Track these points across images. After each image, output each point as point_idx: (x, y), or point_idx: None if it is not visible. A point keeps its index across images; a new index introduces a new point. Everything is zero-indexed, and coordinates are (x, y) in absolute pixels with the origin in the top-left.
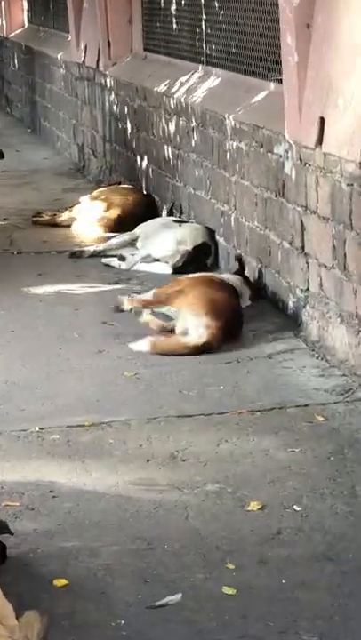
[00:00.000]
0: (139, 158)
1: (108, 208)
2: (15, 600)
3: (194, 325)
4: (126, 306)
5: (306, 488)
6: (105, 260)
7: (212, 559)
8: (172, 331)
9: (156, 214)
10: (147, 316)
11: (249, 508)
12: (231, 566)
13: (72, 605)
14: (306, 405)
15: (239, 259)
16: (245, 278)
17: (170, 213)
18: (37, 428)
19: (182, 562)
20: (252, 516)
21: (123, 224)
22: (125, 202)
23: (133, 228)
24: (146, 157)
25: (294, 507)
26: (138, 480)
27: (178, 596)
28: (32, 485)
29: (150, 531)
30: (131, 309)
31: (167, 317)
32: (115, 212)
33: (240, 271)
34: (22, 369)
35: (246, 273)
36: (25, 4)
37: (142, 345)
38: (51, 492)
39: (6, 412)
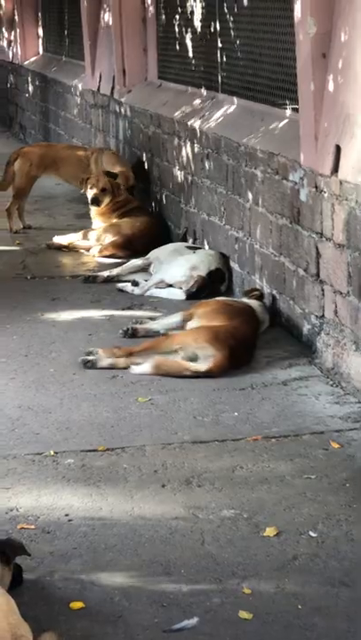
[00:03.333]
0: (153, 184)
1: (117, 233)
2: (32, 622)
3: (199, 354)
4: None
5: (321, 514)
6: (119, 286)
7: (229, 584)
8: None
9: (167, 236)
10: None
11: (265, 534)
12: (247, 591)
13: (89, 628)
14: (321, 432)
15: (258, 292)
16: (260, 301)
17: (183, 239)
18: (52, 453)
19: (198, 586)
20: (268, 542)
21: (132, 247)
22: (134, 226)
23: (143, 250)
24: (160, 183)
25: (310, 533)
26: (153, 505)
27: (194, 621)
28: (47, 509)
29: (166, 555)
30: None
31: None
32: (123, 236)
33: (258, 297)
34: (36, 394)
35: (264, 299)
36: (40, 32)
37: (144, 368)
38: (66, 515)
39: (21, 436)
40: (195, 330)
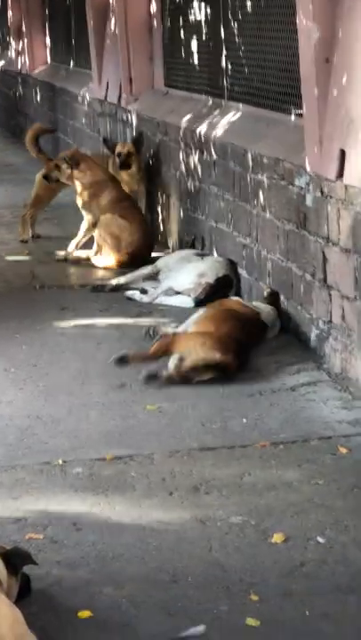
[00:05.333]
0: (160, 192)
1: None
2: (40, 632)
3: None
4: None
5: (329, 520)
6: (127, 294)
7: (236, 591)
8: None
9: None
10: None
11: (272, 541)
12: (255, 598)
13: (96, 637)
14: (329, 438)
15: (275, 293)
16: (278, 310)
17: (192, 246)
18: (61, 462)
19: (206, 594)
20: (276, 549)
21: (135, 259)
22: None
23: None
24: (168, 191)
25: (318, 539)
26: (161, 513)
27: (201, 628)
28: (55, 518)
29: (174, 563)
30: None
31: None
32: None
33: (274, 302)
34: (45, 403)
35: (280, 304)
36: (48, 42)
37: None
38: (74, 524)
39: (29, 445)
40: (199, 334)
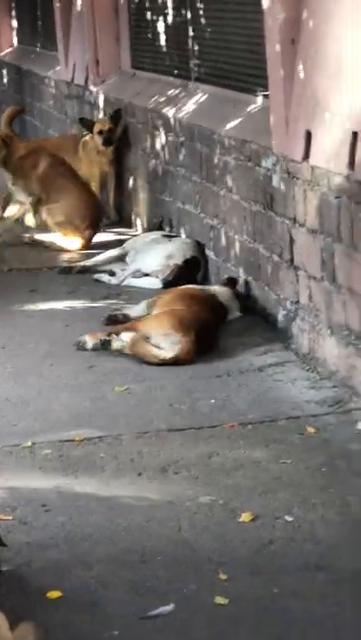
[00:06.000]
0: (127, 174)
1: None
2: (9, 613)
3: (165, 342)
4: (89, 343)
5: (297, 499)
6: (95, 276)
7: (205, 570)
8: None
9: None
10: (116, 343)
11: (241, 520)
12: (223, 577)
13: (66, 617)
14: (297, 417)
15: (231, 279)
16: (234, 292)
17: (159, 228)
18: (30, 443)
19: (175, 573)
20: (244, 528)
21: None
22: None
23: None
24: (135, 173)
25: (286, 517)
26: (130, 494)
27: (170, 607)
28: (24, 499)
29: (143, 543)
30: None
31: None
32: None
33: (231, 285)
34: (14, 385)
35: (238, 288)
36: (14, 24)
37: (122, 342)
38: (43, 505)
39: (3, 428)
40: (159, 316)
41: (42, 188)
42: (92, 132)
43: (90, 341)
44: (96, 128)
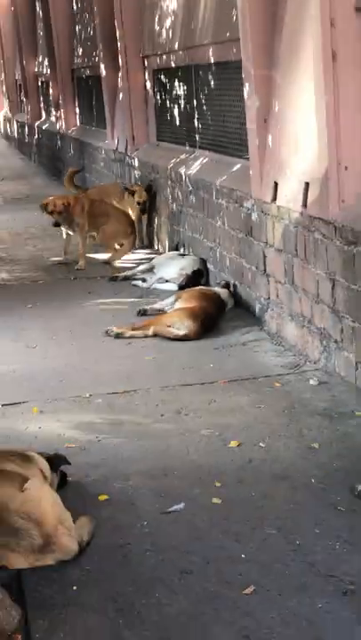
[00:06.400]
0: (154, 213)
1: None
2: (72, 511)
3: (180, 325)
4: (113, 332)
5: (268, 431)
6: (133, 282)
7: (205, 480)
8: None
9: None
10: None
11: (230, 446)
12: (218, 484)
13: (111, 513)
14: (268, 376)
15: (226, 283)
16: (230, 291)
17: (176, 249)
18: (88, 395)
19: (185, 482)
20: (232, 451)
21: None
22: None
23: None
24: (159, 212)
25: (260, 444)
26: (155, 428)
27: (182, 505)
28: (84, 433)
29: (163, 462)
30: (114, 334)
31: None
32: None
33: (226, 286)
34: (77, 356)
35: (231, 289)
36: (77, 110)
37: (119, 330)
38: (97, 437)
39: (67, 384)
40: (179, 310)
41: (91, 221)
42: (133, 196)
43: (114, 331)
44: (136, 198)
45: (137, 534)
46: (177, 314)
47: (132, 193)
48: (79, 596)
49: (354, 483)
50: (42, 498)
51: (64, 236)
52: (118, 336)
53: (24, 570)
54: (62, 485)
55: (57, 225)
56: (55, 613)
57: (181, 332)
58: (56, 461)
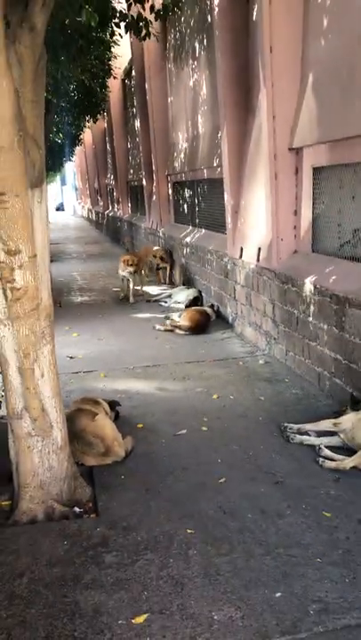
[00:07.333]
0: (173, 266)
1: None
2: (122, 432)
3: (185, 324)
4: (156, 327)
5: (235, 388)
6: (160, 303)
7: (198, 416)
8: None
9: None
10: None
11: (213, 398)
12: (205, 419)
13: (145, 435)
14: (235, 358)
15: (212, 304)
16: (213, 309)
17: (184, 284)
18: (132, 367)
19: (186, 418)
20: (214, 401)
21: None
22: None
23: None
24: (176, 264)
25: (230, 396)
26: (170, 387)
27: (185, 431)
28: (129, 389)
29: (174, 405)
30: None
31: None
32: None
33: (211, 306)
34: (126, 345)
35: (215, 307)
36: (129, 204)
37: (161, 327)
38: (137, 392)
39: (120, 361)
40: (185, 319)
41: (140, 267)
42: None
43: (157, 327)
44: (155, 261)
45: (159, 447)
46: (184, 320)
47: (154, 255)
48: (125, 482)
49: (282, 420)
50: (105, 425)
51: (121, 277)
52: (161, 329)
53: (94, 466)
54: (117, 418)
55: (131, 273)
56: (111, 491)
57: (185, 329)
58: (113, 404)
